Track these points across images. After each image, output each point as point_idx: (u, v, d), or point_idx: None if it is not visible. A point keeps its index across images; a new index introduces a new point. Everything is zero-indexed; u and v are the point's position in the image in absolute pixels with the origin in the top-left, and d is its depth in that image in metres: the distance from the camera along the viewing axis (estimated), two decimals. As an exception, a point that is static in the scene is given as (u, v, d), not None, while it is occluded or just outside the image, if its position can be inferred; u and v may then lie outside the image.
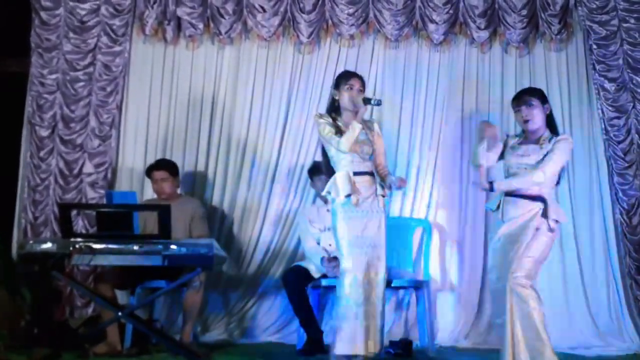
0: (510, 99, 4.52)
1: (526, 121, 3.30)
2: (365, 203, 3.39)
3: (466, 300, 4.47)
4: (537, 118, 3.29)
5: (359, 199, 3.35)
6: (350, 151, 3.36)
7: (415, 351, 4.04)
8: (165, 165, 4.27)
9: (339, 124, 3.44)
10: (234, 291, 4.57)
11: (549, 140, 3.27)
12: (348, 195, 3.34)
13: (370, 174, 3.44)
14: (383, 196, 3.45)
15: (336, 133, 3.39)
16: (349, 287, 3.30)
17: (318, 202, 4.38)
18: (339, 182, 3.38)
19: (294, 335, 4.06)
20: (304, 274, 4.01)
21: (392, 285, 4.01)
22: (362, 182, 3.40)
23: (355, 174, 3.39)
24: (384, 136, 3.66)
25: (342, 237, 3.36)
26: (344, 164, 3.41)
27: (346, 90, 3.46)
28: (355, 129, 3.34)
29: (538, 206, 3.20)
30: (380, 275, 3.36)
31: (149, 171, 4.29)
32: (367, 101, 3.41)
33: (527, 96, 3.35)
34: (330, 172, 3.49)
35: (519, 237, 3.17)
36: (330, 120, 3.45)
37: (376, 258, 3.36)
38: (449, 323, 4.43)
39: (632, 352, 4.10)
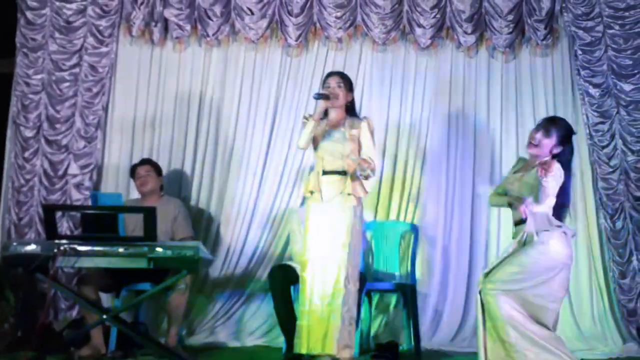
0: (496, 103, 4.59)
1: (531, 144, 3.18)
2: (331, 203, 3.42)
3: (452, 304, 4.48)
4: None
5: (321, 198, 3.42)
6: (305, 148, 3.50)
7: (401, 354, 4.05)
8: (148, 161, 4.33)
9: (325, 121, 3.53)
10: (220, 294, 4.56)
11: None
12: (311, 192, 3.45)
13: (341, 173, 3.46)
14: (353, 195, 3.43)
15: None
16: (302, 284, 3.40)
17: None
18: (310, 179, 3.50)
19: (281, 338, 4.04)
20: (291, 272, 3.99)
21: (379, 288, 4.02)
22: (329, 181, 3.45)
23: (325, 172, 3.45)
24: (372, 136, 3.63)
25: (304, 233, 3.48)
26: (317, 162, 3.51)
27: (324, 89, 3.55)
28: (307, 127, 3.44)
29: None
30: (335, 276, 3.34)
31: (133, 169, 4.30)
32: (315, 96, 3.51)
33: (539, 127, 3.20)
34: None
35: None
36: (312, 120, 3.48)
37: (332, 258, 3.36)
38: (434, 326, 4.44)
39: (615, 356, 4.14)
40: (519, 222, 3.15)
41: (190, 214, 4.37)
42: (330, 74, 3.67)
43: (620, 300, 4.40)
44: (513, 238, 3.19)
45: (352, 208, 3.43)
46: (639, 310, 4.37)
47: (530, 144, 3.18)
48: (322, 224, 3.41)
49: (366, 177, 3.41)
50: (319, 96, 3.48)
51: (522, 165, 3.30)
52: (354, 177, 3.46)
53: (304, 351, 3.33)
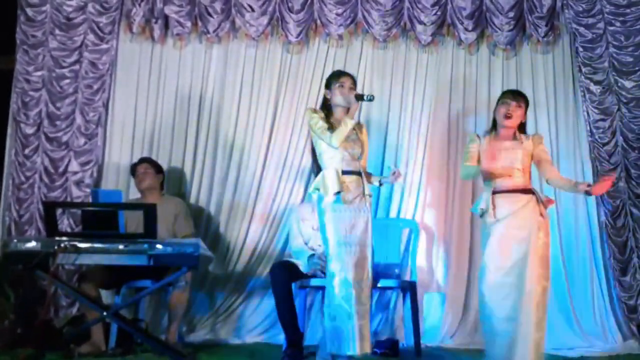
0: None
1: (508, 117, 3.43)
2: (354, 202, 3.39)
3: (452, 301, 4.48)
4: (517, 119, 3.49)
5: (349, 197, 3.36)
6: (341, 147, 3.37)
7: (402, 351, 4.05)
8: (147, 159, 4.35)
9: (332, 120, 3.45)
10: (220, 291, 4.56)
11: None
12: (337, 193, 3.33)
13: (359, 173, 3.45)
14: (370, 196, 3.47)
15: (328, 129, 3.38)
16: (339, 287, 3.28)
17: (313, 200, 4.35)
18: (328, 179, 3.36)
19: (281, 335, 4.04)
20: (293, 269, 3.99)
21: (379, 285, 4.02)
22: (351, 181, 3.41)
23: (344, 172, 3.40)
24: (371, 136, 3.68)
25: (330, 236, 3.35)
26: (334, 161, 3.41)
27: (337, 88, 3.48)
28: (347, 125, 3.35)
29: (530, 198, 3.35)
30: (367, 275, 3.35)
31: (133, 168, 4.32)
32: (359, 97, 3.41)
33: (520, 97, 3.49)
34: (319, 169, 3.50)
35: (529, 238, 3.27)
36: (323, 115, 3.45)
37: (363, 258, 3.35)
38: (435, 323, 4.45)
39: (614, 353, 4.13)
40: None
41: (191, 212, 4.37)
42: (342, 73, 3.57)
43: (620, 298, 4.40)
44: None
45: (370, 209, 3.45)
46: (639, 307, 4.37)
47: (508, 117, 3.42)
48: (348, 223, 3.36)
49: (380, 184, 3.67)
50: (370, 98, 3.44)
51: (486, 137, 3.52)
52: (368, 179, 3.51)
53: (350, 352, 3.24)
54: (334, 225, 3.34)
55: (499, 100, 3.54)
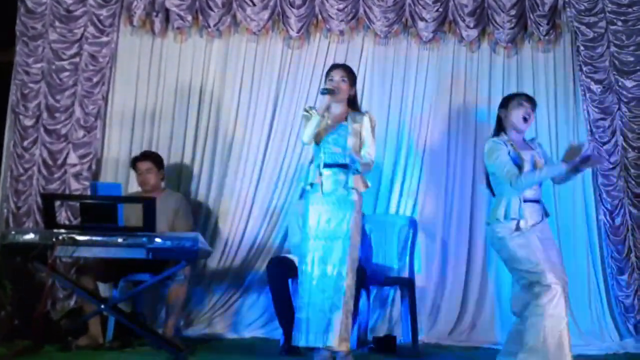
0: (498, 98, 4.56)
1: (526, 119, 3.35)
2: (332, 195, 3.40)
3: (450, 298, 4.49)
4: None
5: (322, 190, 3.39)
6: (310, 143, 3.43)
7: (399, 347, 4.06)
8: (149, 156, 4.26)
9: (324, 114, 3.47)
10: (219, 286, 4.55)
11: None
12: (312, 185, 3.42)
13: (342, 165, 3.44)
14: (355, 189, 3.42)
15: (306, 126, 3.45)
16: (301, 276, 3.38)
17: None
18: (310, 172, 3.47)
19: (279, 330, 4.04)
20: (289, 265, 3.99)
21: (377, 282, 4.02)
22: (330, 174, 3.42)
23: (326, 165, 3.43)
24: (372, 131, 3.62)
25: (303, 226, 3.45)
26: (318, 155, 3.47)
27: (327, 82, 3.51)
28: (312, 121, 3.38)
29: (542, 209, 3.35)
30: (339, 269, 3.32)
31: (134, 162, 4.26)
32: (322, 92, 3.46)
33: (534, 102, 3.43)
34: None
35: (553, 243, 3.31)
36: (310, 113, 3.45)
37: (332, 250, 3.34)
38: (432, 320, 4.45)
39: (612, 352, 4.14)
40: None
41: (191, 208, 4.36)
42: (334, 67, 3.60)
43: (618, 297, 4.40)
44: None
45: (354, 202, 3.41)
46: (636, 306, 4.38)
47: (526, 120, 3.35)
48: (322, 216, 3.39)
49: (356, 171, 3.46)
50: (326, 91, 3.42)
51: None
52: (356, 171, 3.45)
53: (302, 344, 3.32)
54: (306, 218, 3.43)
55: (510, 100, 3.41)
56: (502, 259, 3.36)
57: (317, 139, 3.45)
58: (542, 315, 3.08)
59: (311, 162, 3.62)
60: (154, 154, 4.33)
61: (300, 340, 3.32)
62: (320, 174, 3.43)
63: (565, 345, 3.08)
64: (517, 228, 3.21)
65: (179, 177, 4.67)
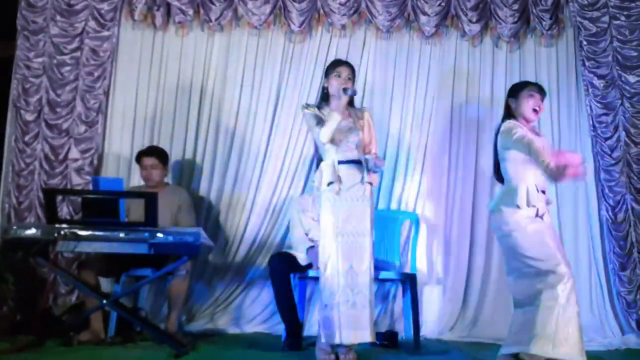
0: (500, 92, 4.56)
1: (536, 111, 3.31)
2: (350, 191, 3.39)
3: (452, 293, 4.49)
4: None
5: (340, 188, 3.37)
6: (329, 142, 3.38)
7: (401, 343, 4.06)
8: (156, 152, 4.24)
9: (323, 113, 3.45)
10: (220, 281, 4.55)
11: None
12: (330, 183, 3.37)
13: (357, 162, 3.44)
14: (370, 184, 3.45)
15: (317, 124, 3.41)
16: (330, 277, 3.31)
17: (315, 192, 4.35)
18: (324, 171, 3.41)
19: (280, 325, 4.05)
20: (291, 260, 3.98)
21: (379, 277, 4.01)
22: (347, 170, 3.41)
23: (340, 162, 3.41)
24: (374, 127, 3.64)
25: (324, 225, 3.39)
26: (330, 152, 3.44)
27: (334, 77, 3.48)
28: (333, 120, 3.35)
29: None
30: (365, 265, 3.34)
31: (139, 157, 4.25)
32: (345, 91, 3.42)
33: (544, 92, 3.38)
34: (320, 159, 3.52)
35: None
36: (314, 110, 3.45)
37: (359, 247, 3.35)
38: (434, 315, 4.45)
39: (613, 347, 4.13)
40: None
41: (193, 204, 4.35)
42: (340, 63, 3.58)
43: (619, 292, 4.40)
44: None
45: (370, 197, 3.43)
46: (638, 302, 4.38)
47: (536, 111, 3.31)
48: (342, 214, 3.36)
49: (369, 170, 3.45)
50: (352, 92, 3.42)
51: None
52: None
53: (337, 341, 3.28)
54: (328, 216, 3.38)
55: (521, 90, 3.34)
56: (507, 247, 3.25)
57: (337, 138, 3.41)
58: (557, 304, 3.05)
59: (319, 160, 3.56)
60: (161, 150, 4.32)
61: (334, 338, 3.27)
62: (337, 171, 3.39)
63: (576, 334, 3.05)
64: (537, 214, 3.18)
65: (181, 171, 4.66)
